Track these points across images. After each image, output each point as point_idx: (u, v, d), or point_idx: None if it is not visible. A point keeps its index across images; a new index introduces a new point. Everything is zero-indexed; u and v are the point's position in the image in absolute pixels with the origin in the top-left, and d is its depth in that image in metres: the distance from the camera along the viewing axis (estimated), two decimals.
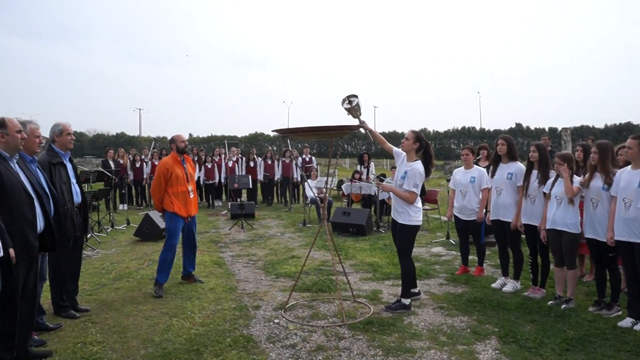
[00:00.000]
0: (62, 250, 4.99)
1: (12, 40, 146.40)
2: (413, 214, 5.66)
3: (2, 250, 3.56)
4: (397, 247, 5.84)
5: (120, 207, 15.50)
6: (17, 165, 4.21)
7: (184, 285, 6.72)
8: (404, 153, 5.78)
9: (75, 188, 5.36)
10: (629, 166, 5.14)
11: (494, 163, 6.70)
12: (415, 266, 6.15)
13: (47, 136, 5.37)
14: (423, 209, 11.91)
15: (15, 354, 4.09)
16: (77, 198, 5.37)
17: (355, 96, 5.69)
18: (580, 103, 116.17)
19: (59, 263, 5.34)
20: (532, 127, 63.50)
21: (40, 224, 4.25)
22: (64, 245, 4.98)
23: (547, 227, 5.78)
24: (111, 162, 15.07)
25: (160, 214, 7.03)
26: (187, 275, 6.93)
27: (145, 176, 16.16)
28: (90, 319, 5.40)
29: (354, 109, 5.72)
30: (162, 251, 6.55)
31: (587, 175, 5.59)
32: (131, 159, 16.39)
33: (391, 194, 5.82)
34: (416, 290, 6.05)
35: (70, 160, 5.45)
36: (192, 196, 6.73)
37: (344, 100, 5.72)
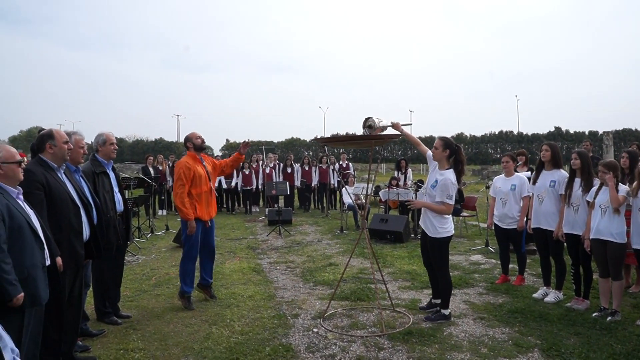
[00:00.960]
0: (105, 257, 5.08)
1: (59, 51, 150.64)
2: (440, 226, 5.51)
3: (49, 259, 3.64)
4: (432, 260, 5.72)
5: (160, 212, 15.72)
6: (64, 176, 4.32)
7: (222, 292, 6.75)
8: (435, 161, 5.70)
9: (118, 197, 5.47)
10: None
11: (536, 170, 6.57)
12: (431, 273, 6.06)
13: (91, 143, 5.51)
14: (462, 216, 11.85)
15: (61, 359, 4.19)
16: (120, 206, 5.48)
17: (369, 119, 5.57)
18: (622, 105, 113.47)
19: (102, 270, 5.46)
20: (572, 131, 62.23)
21: (86, 232, 4.36)
22: (107, 253, 5.07)
23: (592, 237, 5.63)
24: (151, 169, 15.30)
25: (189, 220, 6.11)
26: (204, 285, 6.52)
27: None
28: (131, 325, 5.49)
29: (379, 129, 5.64)
30: (182, 261, 6.25)
31: (635, 183, 5.43)
32: (170, 165, 16.60)
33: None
34: (437, 302, 5.87)
35: (113, 170, 5.57)
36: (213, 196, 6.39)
37: (365, 131, 5.63)
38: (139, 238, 11.12)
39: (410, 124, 6.20)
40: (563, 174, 6.29)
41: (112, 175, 5.46)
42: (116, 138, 5.82)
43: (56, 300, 3.89)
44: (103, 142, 5.45)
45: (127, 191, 11.79)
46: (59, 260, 3.85)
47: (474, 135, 66.84)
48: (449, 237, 5.60)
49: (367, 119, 5.58)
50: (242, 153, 6.62)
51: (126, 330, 5.33)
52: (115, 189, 5.45)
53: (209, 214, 6.29)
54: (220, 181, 16.55)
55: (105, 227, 4.97)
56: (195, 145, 6.32)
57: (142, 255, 9.49)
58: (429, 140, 52.62)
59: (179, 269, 6.31)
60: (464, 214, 12.11)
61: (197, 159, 6.29)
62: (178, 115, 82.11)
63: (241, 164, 16.65)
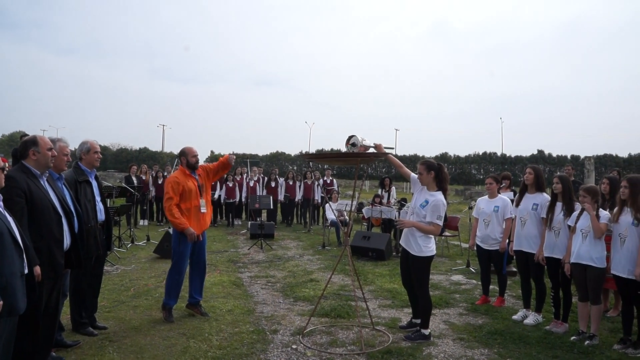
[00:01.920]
0: (84, 267, 5.01)
1: (46, 56, 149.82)
2: (425, 245, 5.52)
3: (27, 268, 3.58)
4: (414, 279, 5.71)
5: (141, 222, 15.61)
6: (46, 183, 4.27)
7: (201, 305, 6.69)
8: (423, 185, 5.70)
9: (100, 206, 5.42)
10: None
11: (520, 192, 6.63)
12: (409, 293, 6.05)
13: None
14: (444, 236, 11.89)
15: None
16: (101, 216, 5.42)
17: (352, 137, 5.58)
18: (604, 131, 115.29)
19: (80, 280, 5.38)
20: (555, 155, 62.86)
21: (66, 241, 4.30)
22: (86, 262, 5.01)
23: (572, 261, 5.68)
24: (134, 178, 15.20)
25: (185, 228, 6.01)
26: (193, 304, 6.40)
27: None
28: (107, 337, 5.41)
29: (362, 147, 5.65)
30: (169, 274, 6.16)
31: (616, 209, 5.49)
32: (154, 175, 16.51)
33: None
34: (417, 321, 5.83)
35: (96, 178, 5.52)
36: (204, 211, 6.23)
37: (348, 147, 5.62)
38: (119, 248, 11.02)
39: (393, 148, 6.18)
40: (545, 197, 6.35)
41: (94, 184, 5.41)
42: (100, 146, 5.77)
43: (32, 311, 3.81)
44: (87, 150, 5.40)
45: (109, 200, 11.70)
46: (37, 269, 3.79)
47: (457, 156, 67.22)
48: (432, 257, 5.62)
49: (350, 137, 5.59)
50: (230, 163, 6.54)
51: (102, 342, 5.24)
52: (97, 198, 5.40)
53: (200, 228, 6.17)
54: None
55: (86, 237, 4.91)
56: (188, 163, 6.24)
57: (121, 265, 9.39)
58: (413, 159, 52.95)
59: (166, 280, 6.21)
60: (446, 233, 12.14)
61: (187, 173, 6.20)
62: (163, 126, 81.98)
63: (225, 175, 16.66)
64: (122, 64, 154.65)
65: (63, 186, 4.67)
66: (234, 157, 6.56)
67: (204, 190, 6.32)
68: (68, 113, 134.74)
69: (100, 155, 5.58)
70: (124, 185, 13.68)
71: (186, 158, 6.24)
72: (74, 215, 4.53)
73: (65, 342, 5.04)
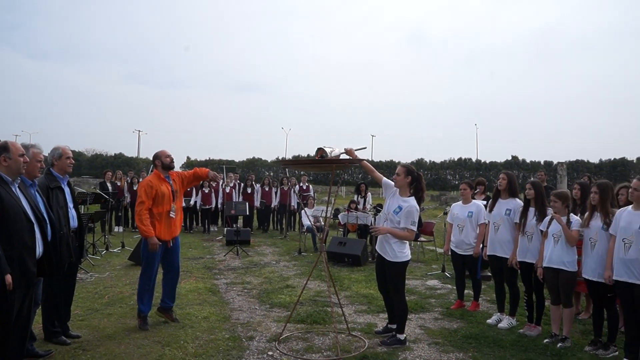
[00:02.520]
0: (57, 275, 4.94)
1: (19, 60, 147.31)
2: (400, 250, 5.56)
3: None
4: (389, 285, 5.74)
5: (116, 229, 15.44)
6: (18, 190, 4.21)
7: (176, 312, 6.62)
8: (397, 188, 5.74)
9: (72, 212, 5.34)
10: (630, 206, 5.15)
11: (493, 198, 6.72)
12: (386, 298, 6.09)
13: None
14: (419, 241, 11.97)
15: None
16: (74, 222, 5.35)
17: (320, 149, 5.55)
18: (576, 137, 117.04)
19: (52, 288, 5.29)
20: (528, 160, 63.67)
21: (39, 249, 4.24)
22: (59, 270, 4.94)
23: (544, 265, 5.77)
24: (109, 184, 15.04)
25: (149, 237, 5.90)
26: (165, 308, 6.29)
27: None
28: (81, 345, 5.33)
29: (334, 158, 5.63)
30: (140, 280, 6.08)
31: (586, 214, 5.60)
32: (129, 181, 16.36)
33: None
34: (393, 326, 5.87)
35: (69, 185, 5.45)
36: (173, 216, 6.10)
37: (320, 157, 5.59)
38: (93, 255, 10.88)
39: (365, 147, 6.19)
40: (518, 202, 6.44)
41: (67, 190, 5.34)
42: (74, 152, 5.71)
43: (2, 320, 3.76)
44: (59, 156, 5.34)
45: (83, 207, 11.57)
46: (8, 277, 3.73)
47: (433, 162, 67.66)
48: (407, 262, 5.66)
49: (318, 149, 5.58)
50: (209, 178, 6.49)
51: (75, 351, 5.17)
52: (70, 205, 5.33)
53: (170, 234, 6.10)
54: None
55: (59, 244, 4.84)
56: (163, 164, 6.14)
57: (95, 272, 9.28)
58: (389, 166, 53.22)
59: (137, 287, 6.14)
60: (422, 239, 12.22)
61: (162, 177, 6.11)
62: (139, 131, 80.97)
63: (201, 182, 16.58)
64: (98, 69, 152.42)
65: (36, 193, 4.61)
66: (217, 176, 6.54)
67: (177, 196, 6.23)
68: (42, 118, 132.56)
69: (73, 161, 5.51)
70: (98, 191, 13.53)
71: (160, 160, 6.15)
72: (47, 222, 4.47)
73: (37, 352, 4.96)
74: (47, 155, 5.51)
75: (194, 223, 17.08)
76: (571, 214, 5.73)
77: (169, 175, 6.23)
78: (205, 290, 8.06)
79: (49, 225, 4.48)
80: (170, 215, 6.09)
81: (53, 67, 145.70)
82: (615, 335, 5.50)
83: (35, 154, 4.64)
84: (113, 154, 71.32)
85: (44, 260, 4.34)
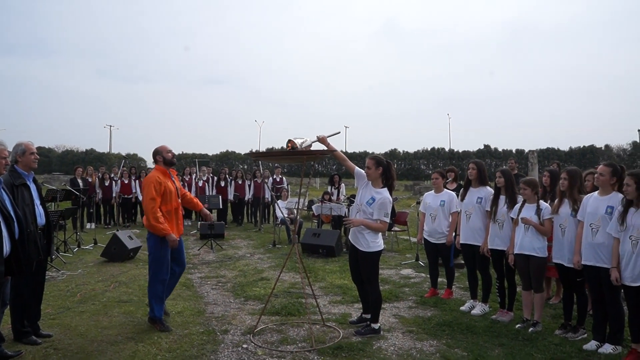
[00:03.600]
0: (25, 274, 4.85)
1: None
2: (373, 240, 5.58)
3: None
4: (363, 275, 5.75)
5: (88, 226, 15.22)
6: None
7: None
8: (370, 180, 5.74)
9: (39, 210, 5.23)
10: (596, 192, 5.24)
11: (464, 187, 6.78)
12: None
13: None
14: (393, 231, 12.03)
15: None
16: (41, 220, 5.24)
17: (291, 141, 5.52)
18: (546, 126, 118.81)
19: (21, 287, 5.19)
20: (500, 149, 64.45)
21: (6, 248, 4.16)
22: (27, 269, 4.85)
23: (515, 252, 5.85)
24: (79, 180, 14.83)
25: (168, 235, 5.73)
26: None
27: (114, 195, 15.96)
28: (52, 344, 5.24)
29: (305, 149, 5.61)
30: (152, 284, 5.81)
31: (556, 201, 5.68)
32: (100, 177, 16.16)
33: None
34: (368, 316, 5.88)
35: (35, 181, 5.33)
36: (183, 212, 6.09)
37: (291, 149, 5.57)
38: (65, 252, 10.71)
39: (339, 132, 6.16)
40: (489, 190, 6.51)
41: (32, 187, 5.22)
42: (44, 148, 5.62)
43: None
44: (22, 152, 5.21)
45: (53, 203, 11.38)
46: None
47: (406, 152, 68.11)
48: (380, 251, 5.68)
49: (288, 141, 5.55)
50: (202, 212, 6.47)
51: (46, 351, 5.08)
52: (37, 202, 5.22)
53: (178, 231, 5.97)
54: None
55: (26, 242, 4.75)
56: (165, 159, 5.97)
57: (67, 270, 9.13)
58: (363, 157, 53.26)
59: (148, 292, 5.88)
60: (395, 228, 12.30)
61: (166, 173, 5.96)
62: (111, 126, 79.74)
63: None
64: (65, 64, 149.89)
65: (2, 190, 4.51)
66: (210, 216, 6.63)
67: (180, 192, 6.14)
68: (8, 115, 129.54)
69: (37, 157, 5.38)
70: (68, 187, 13.32)
71: (161, 155, 5.97)
72: (14, 220, 4.38)
73: (6, 352, 4.86)
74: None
75: None
76: (541, 201, 5.82)
77: (171, 172, 6.10)
78: (178, 285, 7.93)
79: (15, 223, 4.40)
80: (181, 211, 6.06)
81: (18, 62, 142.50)
82: (584, 318, 5.61)
83: (0, 151, 4.54)
84: (84, 150, 70.19)
85: (12, 259, 4.26)
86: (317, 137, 5.78)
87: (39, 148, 5.43)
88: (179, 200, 6.04)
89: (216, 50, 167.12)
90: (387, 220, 5.58)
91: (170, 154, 6.00)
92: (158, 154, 5.98)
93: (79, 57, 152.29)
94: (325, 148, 5.75)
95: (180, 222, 6.06)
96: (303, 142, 5.56)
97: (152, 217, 5.64)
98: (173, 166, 6.13)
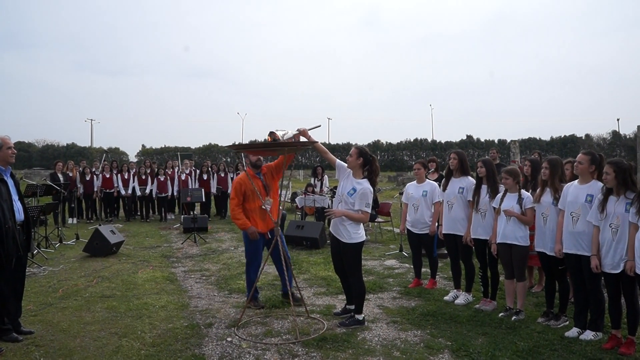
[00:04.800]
0: (4, 270, 4.79)
1: None
2: (355, 232, 5.59)
3: None
4: (346, 266, 5.75)
5: (70, 221, 15.08)
6: None
7: (133, 302, 6.54)
8: (349, 169, 5.76)
9: (17, 205, 5.16)
10: (576, 180, 5.28)
11: (445, 177, 6.80)
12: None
13: None
14: (376, 222, 12.06)
15: None
16: (20, 216, 5.17)
17: (272, 133, 5.55)
18: (527, 116, 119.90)
19: (0, 284, 5.12)
20: (482, 139, 64.93)
21: None
22: (6, 265, 4.79)
23: (498, 241, 5.89)
24: (60, 175, 14.67)
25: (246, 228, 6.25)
26: (285, 293, 6.49)
27: (95, 189, 15.82)
28: (34, 341, 5.18)
29: (289, 138, 5.65)
30: (246, 272, 6.47)
31: (538, 190, 5.72)
32: (81, 171, 16.00)
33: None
34: (352, 307, 5.89)
35: (12, 176, 5.26)
36: (267, 208, 6.17)
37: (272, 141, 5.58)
38: (46, 248, 10.61)
39: (319, 126, 6.16)
40: (471, 180, 6.54)
41: (10, 182, 5.15)
42: (24, 143, 5.55)
43: None
44: None
45: (34, 199, 11.24)
46: None
47: (389, 143, 68.39)
48: (362, 242, 5.68)
49: (270, 133, 5.55)
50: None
51: (27, 348, 5.02)
52: (15, 197, 5.14)
53: (266, 226, 6.33)
54: (134, 188, 16.15)
55: (4, 238, 4.69)
56: (251, 162, 6.40)
57: (49, 266, 9.04)
58: (346, 148, 53.35)
59: (246, 279, 6.57)
60: (379, 219, 12.32)
61: (252, 175, 6.31)
62: (92, 120, 78.91)
63: (156, 169, 16.35)
64: (44, 56, 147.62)
65: None
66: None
67: (270, 189, 6.39)
68: None
69: (15, 151, 5.31)
70: (49, 182, 13.17)
71: (249, 159, 6.47)
72: None
73: None
74: None
75: (150, 211, 16.87)
76: (522, 190, 5.86)
77: (260, 172, 6.41)
78: (162, 279, 7.96)
79: None
80: (263, 207, 6.19)
81: None
82: (566, 306, 5.67)
83: (6, 142, 4.47)
84: (65, 144, 69.43)
85: None
86: (298, 129, 5.77)
87: (18, 143, 5.37)
88: (267, 197, 6.28)
89: (198, 43, 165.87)
90: (369, 210, 5.59)
91: (254, 158, 6.36)
92: (246, 157, 6.51)
93: (55, 50, 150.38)
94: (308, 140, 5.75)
95: (269, 217, 6.23)
96: (285, 134, 5.56)
97: (231, 214, 6.39)
98: (259, 167, 6.41)
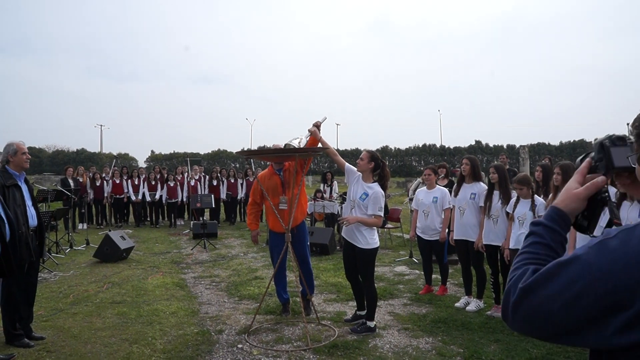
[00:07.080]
0: (16, 275, 4.80)
1: None
2: (371, 237, 5.58)
3: None
4: (361, 272, 5.74)
5: (80, 226, 15.13)
6: None
7: (143, 309, 6.54)
8: (359, 172, 5.74)
9: (31, 211, 5.18)
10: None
11: (457, 183, 6.77)
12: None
13: None
14: (386, 228, 12.02)
15: None
16: (33, 221, 5.19)
17: (287, 145, 5.52)
18: (537, 121, 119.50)
19: (12, 289, 5.12)
20: (491, 145, 64.72)
21: None
22: (18, 270, 4.80)
23: (511, 247, 5.84)
24: (70, 181, 14.71)
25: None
26: (303, 295, 6.01)
27: (105, 195, 15.88)
28: (45, 347, 5.19)
29: (305, 143, 5.64)
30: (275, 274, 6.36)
31: (550, 196, 5.67)
32: (91, 177, 16.07)
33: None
34: (362, 313, 5.90)
35: (26, 181, 5.28)
36: (284, 207, 6.04)
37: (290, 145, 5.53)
38: (57, 253, 10.64)
39: (326, 118, 6.07)
40: (482, 186, 6.50)
41: (24, 187, 5.17)
42: (35, 148, 5.58)
43: None
44: (14, 152, 5.16)
45: (44, 204, 11.29)
46: None
47: (398, 148, 68.28)
48: (377, 248, 5.68)
49: (286, 145, 5.52)
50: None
51: (39, 353, 5.03)
52: (28, 203, 5.16)
53: (278, 226, 6.13)
54: (144, 194, 16.20)
55: (18, 243, 4.70)
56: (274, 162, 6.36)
57: (59, 271, 9.06)
58: (355, 154, 53.31)
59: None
60: (389, 225, 12.29)
61: (272, 172, 6.26)
62: (101, 126, 79.29)
63: (166, 175, 16.40)
64: (55, 62, 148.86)
65: None
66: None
67: (287, 187, 6.12)
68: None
69: (29, 157, 5.34)
70: (59, 188, 13.23)
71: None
72: (5, 221, 4.33)
73: None
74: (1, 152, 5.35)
75: (160, 217, 16.90)
76: (535, 196, 5.81)
77: (281, 168, 6.26)
78: (172, 285, 7.96)
79: (7, 225, 4.35)
80: (280, 207, 6.11)
81: (5, 61, 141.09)
82: None
83: (20, 147, 4.49)
84: (75, 150, 69.79)
85: (3, 261, 4.21)
86: (309, 130, 5.77)
87: (29, 148, 5.37)
88: (282, 196, 6.16)
89: (207, 49, 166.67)
90: (382, 214, 5.58)
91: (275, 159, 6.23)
92: (255, 163, 6.22)
93: (66, 56, 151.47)
94: (320, 146, 5.76)
95: (283, 216, 6.00)
96: (299, 141, 5.55)
97: (252, 214, 6.72)
98: (280, 165, 6.27)
